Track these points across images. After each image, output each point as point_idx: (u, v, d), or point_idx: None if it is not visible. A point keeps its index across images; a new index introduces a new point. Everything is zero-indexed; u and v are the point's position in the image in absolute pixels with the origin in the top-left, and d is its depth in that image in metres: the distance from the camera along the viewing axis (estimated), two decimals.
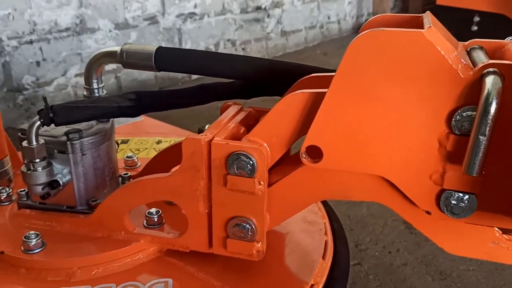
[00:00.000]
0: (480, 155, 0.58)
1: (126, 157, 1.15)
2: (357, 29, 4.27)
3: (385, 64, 0.62)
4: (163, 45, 2.33)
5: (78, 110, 0.86)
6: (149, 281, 0.80)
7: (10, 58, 1.93)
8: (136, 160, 1.16)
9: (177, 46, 2.57)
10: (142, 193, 0.83)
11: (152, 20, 2.44)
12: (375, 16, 0.80)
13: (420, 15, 0.76)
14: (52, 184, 0.87)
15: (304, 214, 1.01)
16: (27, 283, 0.80)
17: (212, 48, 2.85)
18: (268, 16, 3.26)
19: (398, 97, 0.63)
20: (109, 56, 0.95)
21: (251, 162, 0.73)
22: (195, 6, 2.67)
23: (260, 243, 0.78)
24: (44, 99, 0.85)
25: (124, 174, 1.03)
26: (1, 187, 1.00)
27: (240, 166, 0.74)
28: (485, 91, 0.57)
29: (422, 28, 0.63)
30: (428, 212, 0.69)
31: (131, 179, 1.01)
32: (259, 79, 0.88)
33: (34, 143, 0.84)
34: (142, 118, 1.63)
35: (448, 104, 0.62)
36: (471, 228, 0.70)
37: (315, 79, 0.80)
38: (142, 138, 1.41)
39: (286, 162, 0.84)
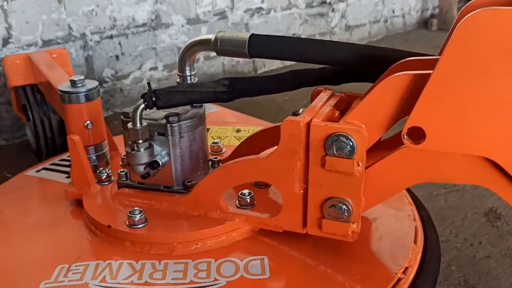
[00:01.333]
0: None
1: (212, 143, 1.19)
2: (422, 23, 4.16)
3: (496, 44, 0.62)
4: None
5: (178, 94, 0.90)
6: (245, 258, 0.84)
7: (92, 52, 2.04)
8: (221, 146, 1.20)
9: None
10: (238, 174, 0.86)
11: (221, 15, 2.50)
12: (474, 0, 0.79)
13: None
14: (153, 164, 0.92)
15: (391, 200, 1.01)
16: (132, 255, 0.85)
17: None
18: (333, 10, 3.24)
19: (509, 77, 0.63)
20: (203, 44, 1.00)
21: (350, 143, 0.75)
22: (262, 1, 2.71)
23: (356, 224, 0.80)
24: (148, 83, 0.90)
25: (214, 158, 1.07)
26: (101, 168, 1.07)
27: (339, 147, 0.75)
28: None
29: None
30: None
31: (220, 163, 1.05)
32: (352, 64, 0.89)
33: (138, 125, 0.89)
34: (218, 108, 1.69)
35: None
36: None
37: (411, 63, 0.81)
38: (221, 127, 1.46)
39: (378, 147, 0.85)
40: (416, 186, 1.08)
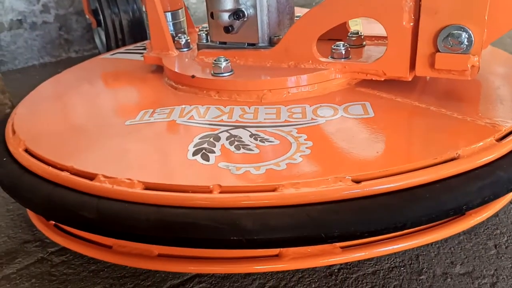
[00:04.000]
0: None
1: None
2: None
3: None
4: None
5: None
6: (344, 103, 0.75)
7: None
8: None
9: None
10: (336, 11, 0.77)
11: None
12: None
13: None
14: (238, 13, 0.85)
15: (502, 61, 0.90)
16: (220, 103, 0.79)
17: None
18: None
19: None
20: None
21: None
22: None
23: (477, 57, 0.69)
24: None
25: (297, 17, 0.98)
26: (179, 34, 1.01)
27: None
28: None
29: None
30: None
31: None
32: None
33: None
34: None
35: None
36: None
37: None
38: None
39: None
40: None
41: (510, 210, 0.81)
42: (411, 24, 0.71)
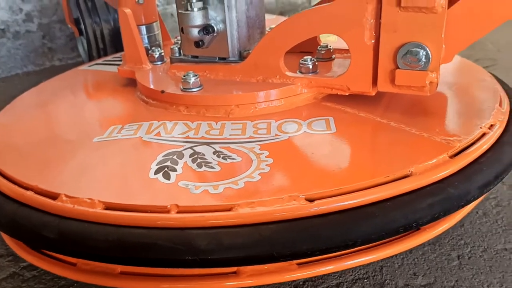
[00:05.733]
0: None
1: (268, 29, 1.12)
2: None
3: None
4: None
5: None
6: (308, 119, 0.77)
7: None
8: None
9: None
10: (301, 27, 0.78)
11: None
12: None
13: None
14: (207, 28, 0.86)
15: (470, 70, 0.91)
16: (187, 118, 0.80)
17: None
18: None
19: None
20: None
21: None
22: None
23: (435, 73, 0.71)
24: None
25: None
26: (153, 47, 1.02)
27: None
28: None
29: None
30: None
31: None
32: None
33: None
34: (273, 16, 1.60)
35: None
36: None
37: None
38: None
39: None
40: None
41: (476, 220, 0.83)
42: (372, 41, 0.73)
